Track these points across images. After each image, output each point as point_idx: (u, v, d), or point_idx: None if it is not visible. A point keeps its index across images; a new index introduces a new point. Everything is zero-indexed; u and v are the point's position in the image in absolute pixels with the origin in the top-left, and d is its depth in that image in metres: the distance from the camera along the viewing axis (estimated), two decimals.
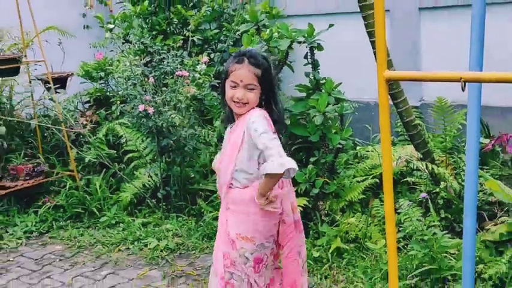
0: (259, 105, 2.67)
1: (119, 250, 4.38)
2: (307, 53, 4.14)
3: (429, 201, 3.85)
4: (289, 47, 4.08)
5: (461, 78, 2.28)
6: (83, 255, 4.37)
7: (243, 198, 2.61)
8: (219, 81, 2.83)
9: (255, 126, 2.53)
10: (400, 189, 4.33)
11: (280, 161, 2.44)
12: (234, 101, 2.62)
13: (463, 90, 2.33)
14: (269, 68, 2.66)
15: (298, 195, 4.04)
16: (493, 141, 4.20)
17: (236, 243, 2.64)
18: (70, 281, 3.94)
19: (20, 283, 3.98)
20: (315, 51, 4.11)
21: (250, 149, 2.57)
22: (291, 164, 2.44)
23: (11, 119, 5.40)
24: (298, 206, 3.86)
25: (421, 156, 4.12)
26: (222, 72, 2.73)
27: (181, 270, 3.96)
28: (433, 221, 3.65)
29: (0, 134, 5.17)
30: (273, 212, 2.61)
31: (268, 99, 2.68)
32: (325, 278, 3.60)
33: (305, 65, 4.17)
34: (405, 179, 4.27)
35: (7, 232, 4.82)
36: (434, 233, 3.51)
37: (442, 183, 3.96)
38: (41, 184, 5.26)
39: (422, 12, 5.00)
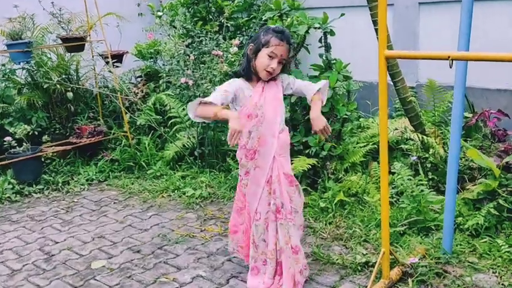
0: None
1: (162, 196, 4.46)
2: (321, 37, 4.08)
3: (419, 164, 3.82)
4: (306, 31, 4.02)
5: (449, 57, 2.25)
6: (133, 199, 4.46)
7: (285, 140, 2.73)
8: (245, 53, 2.80)
9: (288, 77, 2.80)
10: (395, 155, 4.29)
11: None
12: (267, 71, 2.63)
13: (450, 67, 2.30)
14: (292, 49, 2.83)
15: (309, 156, 4.05)
16: (476, 116, 4.13)
17: (292, 179, 2.74)
18: (122, 219, 4.03)
19: (82, 219, 4.09)
20: (328, 36, 4.06)
21: (283, 99, 2.75)
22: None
23: (78, 86, 5.46)
24: (309, 165, 3.90)
25: (414, 128, 4.08)
26: (257, 39, 2.69)
27: (212, 214, 4.02)
28: (421, 181, 3.62)
29: (68, 99, 5.24)
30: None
31: (285, 70, 2.79)
32: (329, 224, 3.62)
33: (319, 47, 4.12)
34: (400, 146, 4.24)
35: (73, 179, 4.93)
36: (422, 191, 3.50)
37: (430, 150, 3.92)
38: (100, 141, 5.35)
39: (421, 6, 4.87)
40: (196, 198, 4.32)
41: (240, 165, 2.84)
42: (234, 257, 3.26)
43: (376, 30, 3.68)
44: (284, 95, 2.80)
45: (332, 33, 4.04)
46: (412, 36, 4.96)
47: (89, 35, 5.37)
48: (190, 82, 4.52)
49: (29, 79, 5.31)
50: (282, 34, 2.65)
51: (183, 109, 5.26)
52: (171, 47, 4.91)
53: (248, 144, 2.73)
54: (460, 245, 3.17)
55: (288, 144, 2.77)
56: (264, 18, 4.58)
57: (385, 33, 2.48)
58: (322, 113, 4.01)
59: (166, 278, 3.10)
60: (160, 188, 4.58)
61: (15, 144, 4.73)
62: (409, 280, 2.88)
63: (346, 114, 4.03)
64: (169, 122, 5.35)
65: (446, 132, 4.19)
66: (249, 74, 2.72)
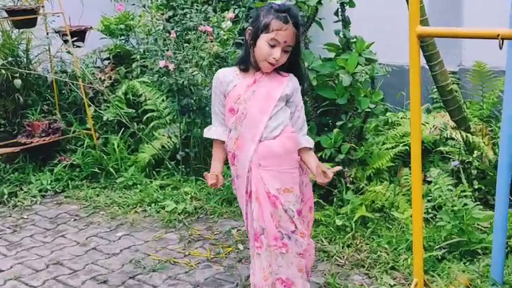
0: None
1: (135, 212, 4.46)
2: (337, 9, 4.09)
3: (461, 171, 3.83)
4: (319, 2, 4.02)
5: (498, 35, 2.25)
6: (98, 215, 4.46)
7: (275, 150, 2.71)
8: (244, 37, 2.84)
9: (298, 94, 2.78)
10: (432, 158, 4.31)
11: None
12: (269, 62, 2.66)
13: (500, 48, 2.31)
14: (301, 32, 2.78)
15: (322, 160, 4.04)
16: None
17: (280, 199, 2.71)
18: (84, 241, 4.03)
19: (33, 241, 4.09)
20: (346, 7, 4.06)
21: (283, 101, 2.74)
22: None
23: (28, 71, 5.46)
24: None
25: (456, 125, 4.09)
26: (256, 22, 2.71)
27: (199, 234, 4.03)
28: (465, 192, 3.63)
29: (16, 87, 5.24)
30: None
31: (295, 59, 2.78)
32: (348, 246, 3.63)
33: (335, 22, 4.13)
34: (438, 148, 4.25)
35: (22, 190, 4.92)
36: (465, 204, 3.50)
37: (476, 152, 3.93)
38: (57, 142, 5.35)
39: None
40: (179, 213, 4.32)
41: None
42: None
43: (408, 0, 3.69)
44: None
45: (351, 4, 4.04)
46: (452, 7, 4.97)
47: (42, 7, 5.38)
48: (172, 66, 4.52)
49: None
50: (286, 14, 2.65)
51: (162, 100, 5.27)
52: (146, 22, 4.91)
53: (228, 146, 2.80)
54: None
55: (279, 155, 2.72)
56: None
57: (417, 4, 2.48)
58: (339, 106, 4.07)
59: None
60: (133, 201, 4.58)
61: None
62: None
63: (369, 107, 4.03)
64: (145, 117, 5.34)
65: (497, 130, 4.19)
66: (246, 64, 2.76)
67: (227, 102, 2.76)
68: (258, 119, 2.68)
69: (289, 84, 2.74)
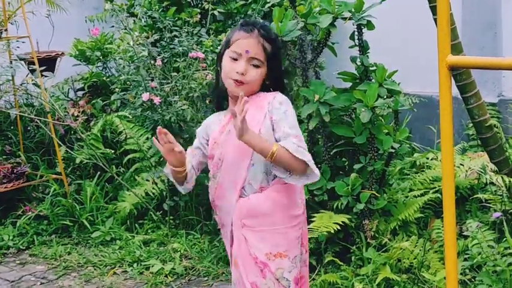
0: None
1: (114, 273, 4.45)
2: (354, 32, 4.13)
3: (505, 223, 3.82)
4: (332, 24, 4.07)
5: None
6: (69, 278, 4.45)
7: (261, 207, 2.59)
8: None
9: (284, 108, 2.57)
10: (469, 207, 4.30)
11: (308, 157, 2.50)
12: (234, 79, 2.59)
13: None
14: (280, 47, 2.75)
15: (338, 211, 4.05)
16: None
17: (270, 266, 2.62)
18: None
19: None
20: (364, 30, 4.10)
21: (268, 136, 2.55)
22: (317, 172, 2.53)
23: None
24: (338, 224, 3.90)
25: (497, 167, 4.09)
26: (221, 45, 2.77)
27: None
28: (509, 249, 3.61)
29: None
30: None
31: (275, 88, 2.70)
32: None
33: (351, 47, 4.17)
34: (476, 196, 4.24)
35: None
36: (510, 264, 3.49)
37: None
38: (21, 189, 5.36)
39: None
40: (166, 275, 4.30)
41: None
42: None
43: (436, 20, 3.74)
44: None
45: (370, 26, 4.08)
46: (489, 29, 5.02)
47: (6, 30, 5.44)
48: (157, 100, 4.55)
49: None
50: (251, 26, 2.66)
51: (147, 139, 5.28)
52: (128, 46, 4.96)
53: (210, 194, 2.77)
54: None
55: (266, 214, 2.62)
56: (268, 0, 4.65)
57: (447, 28, 2.51)
58: (357, 145, 4.07)
59: None
60: (111, 260, 4.57)
61: None
62: None
63: (392, 147, 4.04)
64: (126, 159, 5.35)
65: None
66: (217, 98, 2.78)
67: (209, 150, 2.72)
68: (236, 165, 2.61)
69: (272, 104, 2.60)
